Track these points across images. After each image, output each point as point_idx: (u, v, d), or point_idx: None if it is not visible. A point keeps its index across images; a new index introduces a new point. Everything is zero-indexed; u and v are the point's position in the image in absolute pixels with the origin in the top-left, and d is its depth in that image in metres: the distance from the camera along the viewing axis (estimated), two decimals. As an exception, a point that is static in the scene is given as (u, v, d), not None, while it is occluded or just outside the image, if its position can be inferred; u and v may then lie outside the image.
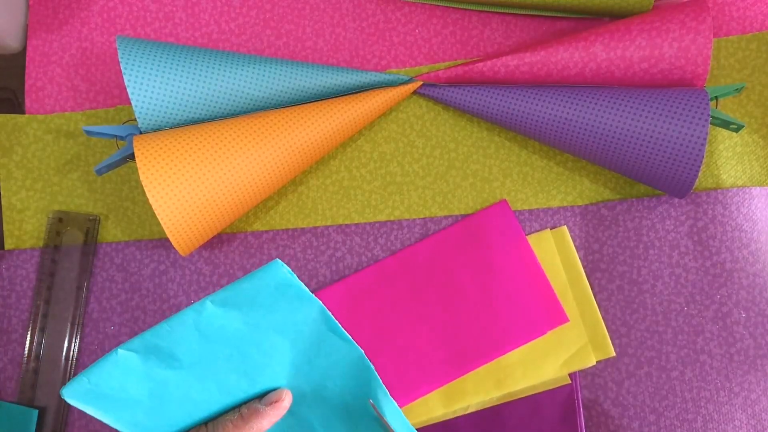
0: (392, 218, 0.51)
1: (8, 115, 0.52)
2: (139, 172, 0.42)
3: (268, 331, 0.35)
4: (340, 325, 0.36)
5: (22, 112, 0.53)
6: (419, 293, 0.49)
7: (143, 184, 0.42)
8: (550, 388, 0.48)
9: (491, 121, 0.49)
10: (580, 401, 0.48)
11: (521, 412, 0.48)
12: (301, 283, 0.35)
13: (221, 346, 0.35)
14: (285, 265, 0.34)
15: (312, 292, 0.50)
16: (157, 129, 0.46)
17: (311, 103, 0.48)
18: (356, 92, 0.50)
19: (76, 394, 0.33)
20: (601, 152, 0.46)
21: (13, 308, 0.51)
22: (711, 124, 0.46)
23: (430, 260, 0.50)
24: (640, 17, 0.47)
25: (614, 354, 0.48)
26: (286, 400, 0.36)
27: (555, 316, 0.48)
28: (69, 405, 0.50)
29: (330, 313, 0.36)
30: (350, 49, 0.52)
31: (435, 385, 0.48)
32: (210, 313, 0.34)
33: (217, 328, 0.34)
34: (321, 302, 0.36)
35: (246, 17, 0.53)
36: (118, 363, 0.33)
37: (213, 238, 0.51)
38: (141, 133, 0.46)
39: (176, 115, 0.46)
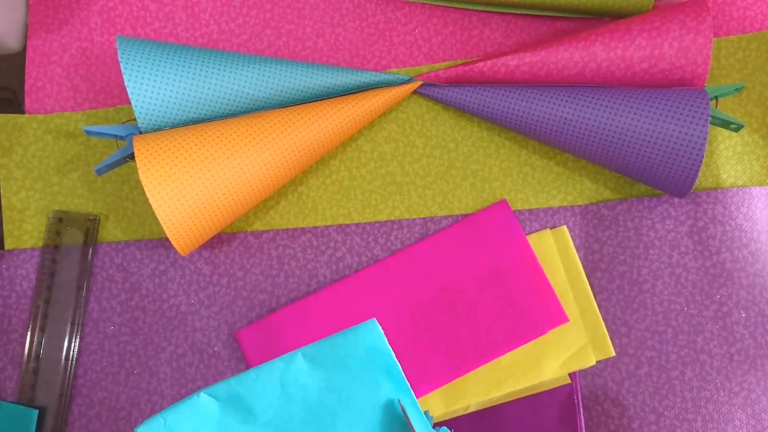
0: (392, 218, 0.51)
1: (8, 115, 0.52)
2: (139, 172, 0.42)
3: (348, 401, 0.35)
4: (421, 410, 0.36)
5: (22, 112, 0.53)
6: (419, 293, 0.49)
7: (143, 184, 0.42)
8: (550, 388, 0.48)
9: (491, 121, 0.49)
10: (580, 401, 0.48)
11: (521, 412, 0.48)
12: (392, 353, 0.34)
13: (299, 408, 0.35)
14: (380, 326, 0.34)
15: (312, 293, 0.50)
16: (157, 129, 0.46)
17: (311, 103, 0.48)
18: (356, 92, 0.50)
19: None
20: (601, 152, 0.46)
21: (13, 308, 0.51)
22: (711, 124, 0.46)
23: (430, 260, 0.50)
24: (640, 17, 0.47)
25: (614, 354, 0.48)
26: None
27: (555, 316, 0.48)
28: (69, 405, 0.50)
29: (413, 396, 0.35)
30: (350, 49, 0.52)
31: (435, 385, 0.48)
32: (298, 367, 0.34)
33: (300, 387, 0.34)
34: (407, 382, 0.35)
35: (246, 17, 0.53)
36: (197, 407, 0.34)
37: (213, 238, 0.51)
38: (141, 133, 0.46)
39: (176, 115, 0.46)
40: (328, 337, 0.35)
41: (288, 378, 0.34)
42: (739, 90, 0.46)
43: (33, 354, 0.50)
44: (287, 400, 0.35)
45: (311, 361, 0.34)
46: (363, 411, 0.35)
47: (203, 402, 0.34)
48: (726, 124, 0.46)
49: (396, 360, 0.35)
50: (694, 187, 0.48)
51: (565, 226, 0.50)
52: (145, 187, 0.42)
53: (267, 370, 0.34)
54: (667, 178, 0.45)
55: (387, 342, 0.35)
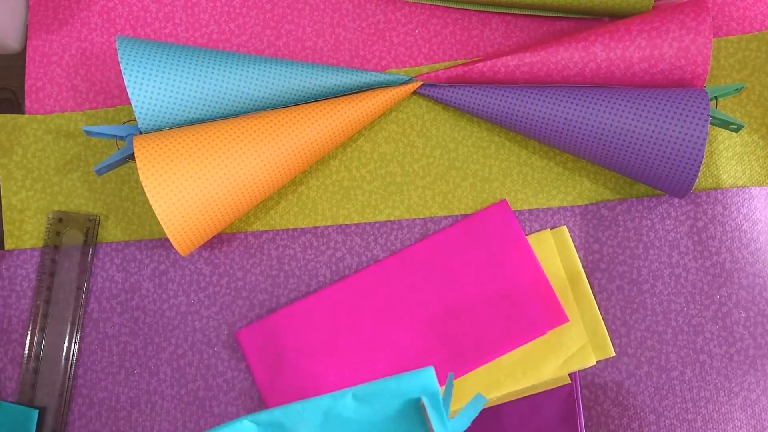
0: (392, 218, 0.51)
1: (8, 115, 0.52)
2: (139, 172, 0.42)
3: None
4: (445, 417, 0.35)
5: (22, 112, 0.53)
6: (419, 293, 0.49)
7: (143, 184, 0.42)
8: (550, 388, 0.48)
9: (491, 121, 0.49)
10: (580, 401, 0.48)
11: (521, 412, 0.48)
12: (443, 405, 0.34)
13: None
14: (435, 375, 0.34)
15: (312, 293, 0.50)
16: (157, 129, 0.46)
17: (311, 103, 0.48)
18: (356, 92, 0.50)
19: None
20: (601, 152, 0.46)
21: (13, 308, 0.51)
22: (711, 124, 0.46)
23: (430, 260, 0.50)
24: (640, 17, 0.47)
25: (614, 354, 0.48)
26: None
27: (555, 316, 0.48)
28: (69, 405, 0.50)
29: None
30: (350, 49, 0.52)
31: (435, 385, 0.48)
32: (345, 404, 0.34)
33: (343, 421, 0.34)
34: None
35: (246, 17, 0.53)
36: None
37: (213, 238, 0.51)
38: (141, 133, 0.46)
39: (176, 115, 0.46)
40: (383, 379, 0.34)
41: (333, 411, 0.34)
42: (739, 90, 0.46)
43: (33, 354, 0.50)
44: (326, 429, 0.34)
45: (360, 400, 0.34)
46: None
47: (245, 427, 0.34)
48: (726, 124, 0.46)
49: (444, 411, 0.34)
50: (694, 188, 0.48)
51: (565, 227, 0.50)
52: (145, 187, 0.42)
53: (313, 404, 0.34)
54: (667, 179, 0.45)
55: (440, 392, 0.34)
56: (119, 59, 0.45)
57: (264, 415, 0.34)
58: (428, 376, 0.33)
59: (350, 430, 0.34)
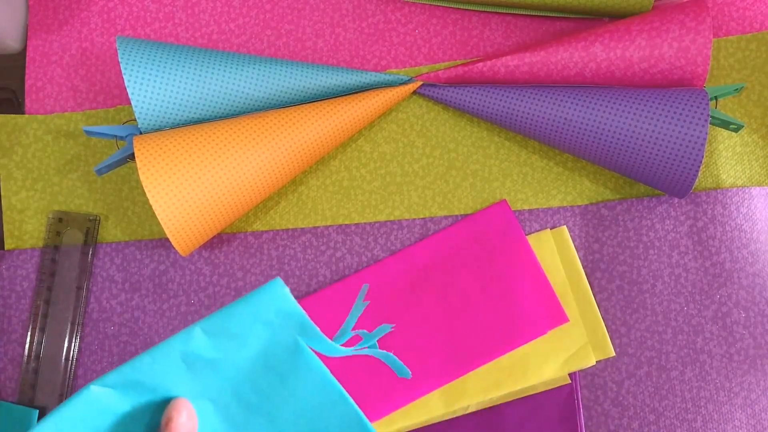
0: (392, 218, 0.51)
1: (8, 115, 0.52)
2: (139, 172, 0.42)
3: (272, 367, 0.31)
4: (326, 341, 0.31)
5: (22, 112, 0.53)
6: (419, 293, 0.49)
7: (143, 184, 0.42)
8: (550, 387, 0.48)
9: (491, 121, 0.49)
10: (580, 401, 0.48)
11: (521, 412, 0.48)
12: (304, 312, 0.30)
13: (218, 380, 0.31)
14: (285, 285, 0.30)
15: (312, 293, 0.50)
16: (157, 129, 0.46)
17: (311, 103, 0.48)
18: (356, 92, 0.50)
19: None
20: (601, 152, 0.46)
21: (13, 308, 0.51)
22: (711, 124, 0.46)
23: (430, 260, 0.50)
24: (639, 17, 0.47)
25: (614, 354, 0.48)
26: (177, 419, 0.29)
27: (555, 316, 0.48)
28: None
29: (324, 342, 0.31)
30: (350, 49, 0.52)
31: (435, 385, 0.48)
32: (197, 344, 0.30)
33: (210, 363, 0.30)
34: (324, 337, 0.31)
35: (246, 17, 0.53)
36: (89, 402, 0.29)
37: (213, 238, 0.51)
38: (141, 133, 0.46)
39: (176, 115, 0.46)
40: (227, 306, 0.30)
41: (191, 355, 0.30)
42: (738, 90, 0.46)
43: (33, 354, 0.50)
44: (196, 377, 0.30)
45: (213, 335, 0.30)
46: (291, 373, 0.31)
47: (95, 394, 0.29)
48: (726, 124, 0.46)
49: (309, 319, 0.30)
50: (694, 187, 0.48)
51: (565, 226, 0.50)
52: (145, 187, 0.42)
53: (162, 350, 0.29)
54: (667, 179, 0.45)
55: (296, 301, 0.30)
56: (119, 59, 0.45)
57: (112, 376, 0.29)
58: (276, 287, 0.30)
59: (225, 373, 0.30)
